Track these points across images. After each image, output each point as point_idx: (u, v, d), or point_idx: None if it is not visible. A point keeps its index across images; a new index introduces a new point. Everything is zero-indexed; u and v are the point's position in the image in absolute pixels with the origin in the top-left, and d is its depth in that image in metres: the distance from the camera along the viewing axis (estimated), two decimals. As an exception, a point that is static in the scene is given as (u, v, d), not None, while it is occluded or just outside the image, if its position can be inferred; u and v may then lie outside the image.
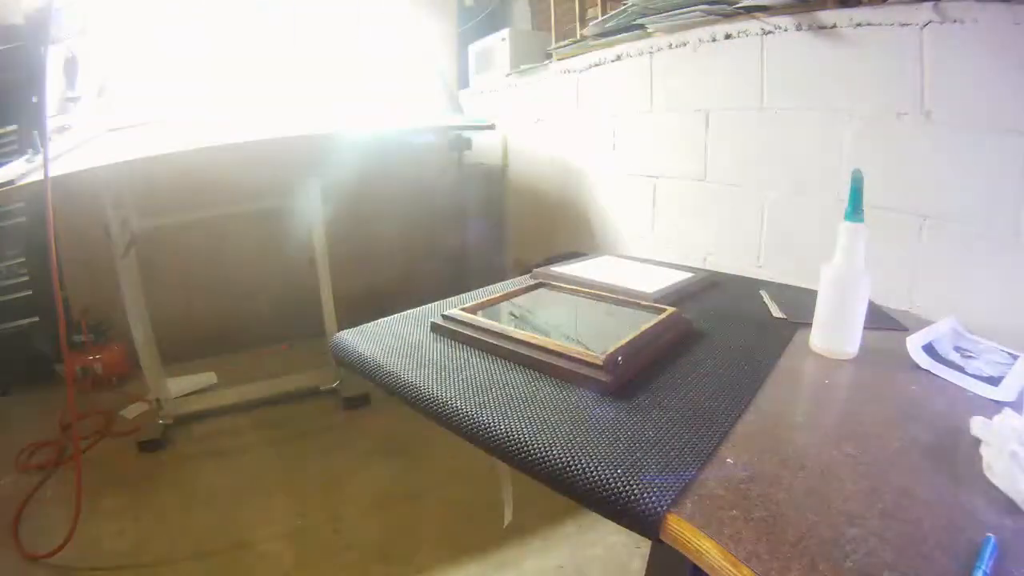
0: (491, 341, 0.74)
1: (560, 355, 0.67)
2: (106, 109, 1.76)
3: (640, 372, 0.67)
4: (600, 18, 1.73)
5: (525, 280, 1.05)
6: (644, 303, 0.85)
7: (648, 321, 0.76)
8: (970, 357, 0.74)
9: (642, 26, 1.55)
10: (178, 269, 2.19)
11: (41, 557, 1.28)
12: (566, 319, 0.85)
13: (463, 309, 0.81)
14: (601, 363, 0.63)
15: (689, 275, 1.05)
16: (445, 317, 0.81)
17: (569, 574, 1.25)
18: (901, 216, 1.06)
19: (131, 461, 1.69)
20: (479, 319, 0.78)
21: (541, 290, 0.96)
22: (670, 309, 0.81)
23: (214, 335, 2.37)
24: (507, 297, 0.90)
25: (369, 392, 1.97)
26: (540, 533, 1.34)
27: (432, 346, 0.76)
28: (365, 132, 1.79)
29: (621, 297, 0.89)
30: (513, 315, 0.85)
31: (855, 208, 0.69)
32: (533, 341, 0.70)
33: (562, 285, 0.97)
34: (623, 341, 0.68)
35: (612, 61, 1.74)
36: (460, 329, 0.78)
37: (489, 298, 0.88)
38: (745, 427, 0.57)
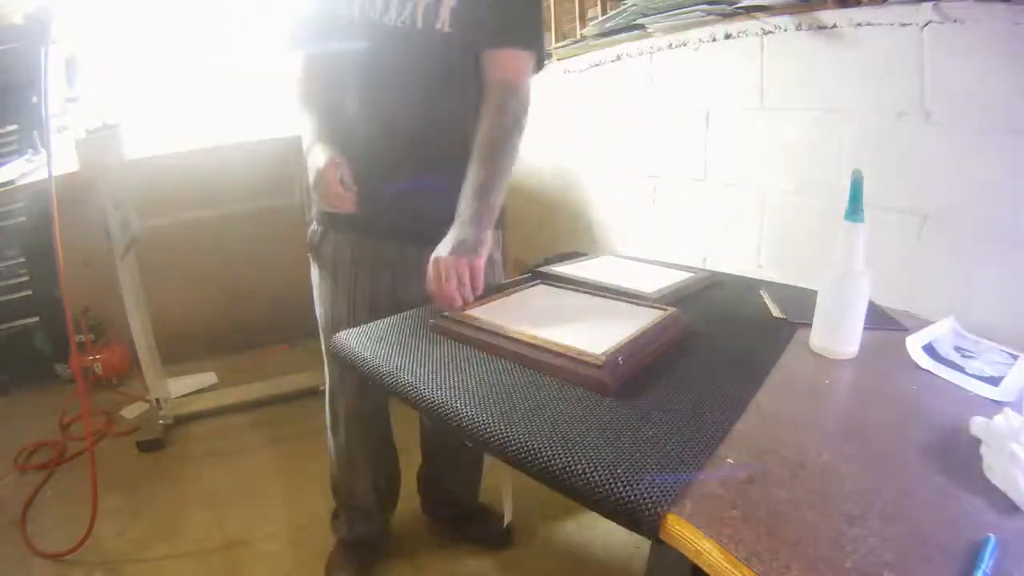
0: (490, 340, 0.74)
1: (560, 355, 0.67)
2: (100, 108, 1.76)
3: (640, 372, 0.67)
4: (600, 18, 1.73)
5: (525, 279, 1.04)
6: (644, 303, 0.85)
7: (648, 321, 0.76)
8: (970, 357, 0.74)
9: (642, 26, 1.55)
10: (178, 269, 2.18)
11: (59, 556, 1.28)
12: (565, 318, 0.85)
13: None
14: (601, 364, 0.63)
15: (689, 275, 1.05)
16: (444, 316, 0.81)
17: (569, 574, 1.25)
18: (901, 216, 1.06)
19: (131, 461, 1.69)
20: (478, 318, 0.78)
21: (540, 287, 0.96)
22: (670, 309, 0.81)
23: (214, 335, 2.37)
24: (505, 295, 0.90)
25: (369, 392, 1.97)
26: (540, 533, 1.34)
27: (432, 346, 0.76)
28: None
29: (621, 297, 0.89)
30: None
31: (855, 208, 0.69)
32: (533, 341, 0.70)
33: (562, 285, 0.97)
34: (623, 341, 0.68)
35: (612, 61, 1.74)
36: (459, 328, 0.78)
37: (488, 297, 0.88)
38: (745, 427, 0.57)
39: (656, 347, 0.72)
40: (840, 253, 0.71)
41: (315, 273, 1.06)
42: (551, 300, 0.91)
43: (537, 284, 0.97)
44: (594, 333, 0.72)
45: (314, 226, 1.05)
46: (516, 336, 0.72)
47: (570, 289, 0.94)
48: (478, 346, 0.75)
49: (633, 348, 0.68)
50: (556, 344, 0.68)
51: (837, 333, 0.73)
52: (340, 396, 1.10)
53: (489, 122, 0.89)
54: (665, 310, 0.81)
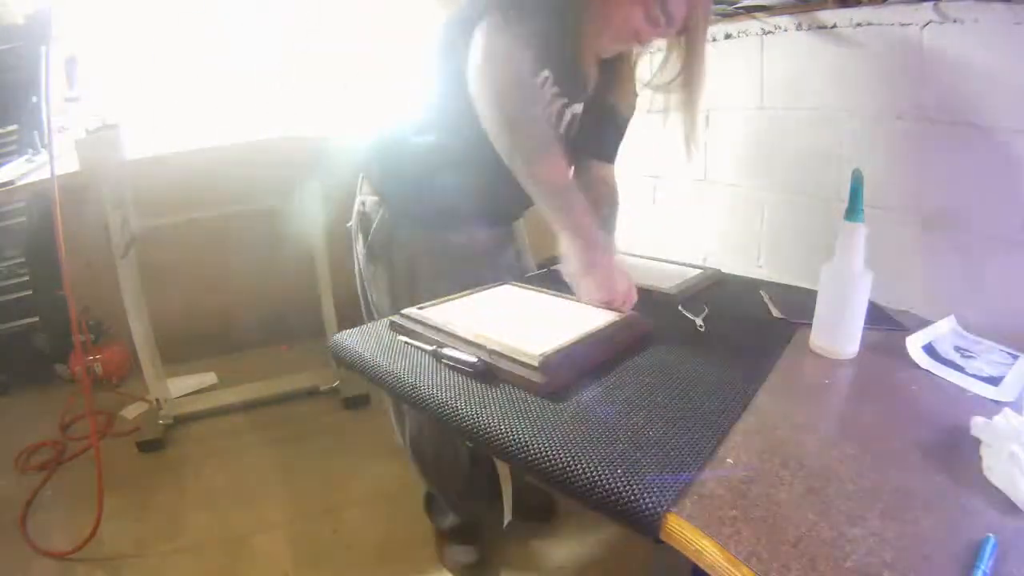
0: (436, 338, 0.73)
1: (500, 355, 0.66)
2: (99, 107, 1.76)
3: (584, 374, 0.66)
4: (600, 18, 1.72)
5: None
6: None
7: (601, 323, 0.75)
8: (970, 357, 0.74)
9: (642, 26, 1.55)
10: (178, 269, 2.18)
11: (65, 555, 1.28)
12: (521, 318, 0.82)
13: (419, 308, 0.81)
14: (537, 364, 0.63)
15: (698, 271, 1.06)
16: (403, 315, 0.80)
17: (569, 574, 1.24)
18: (901, 216, 1.06)
19: (131, 461, 1.69)
20: (429, 317, 0.78)
21: (506, 287, 0.95)
22: (628, 312, 0.79)
23: (214, 335, 2.37)
24: (468, 295, 0.90)
25: (369, 392, 1.97)
26: (540, 533, 1.34)
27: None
28: (365, 132, 1.79)
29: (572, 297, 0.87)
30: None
31: (855, 208, 0.69)
32: (476, 340, 0.69)
33: (528, 286, 0.95)
34: (565, 343, 0.67)
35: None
36: (413, 327, 0.77)
37: (452, 296, 0.88)
38: (745, 427, 0.57)
39: (606, 351, 0.71)
40: (840, 253, 0.71)
41: (375, 268, 1.01)
42: (513, 300, 0.90)
43: (504, 284, 0.95)
44: (543, 334, 0.71)
45: (370, 208, 1.00)
46: (462, 335, 0.71)
47: (534, 290, 0.92)
48: (427, 342, 0.74)
49: (575, 350, 0.67)
50: (497, 344, 0.67)
51: (837, 333, 0.73)
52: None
53: (608, 204, 1.07)
54: (622, 313, 0.79)
